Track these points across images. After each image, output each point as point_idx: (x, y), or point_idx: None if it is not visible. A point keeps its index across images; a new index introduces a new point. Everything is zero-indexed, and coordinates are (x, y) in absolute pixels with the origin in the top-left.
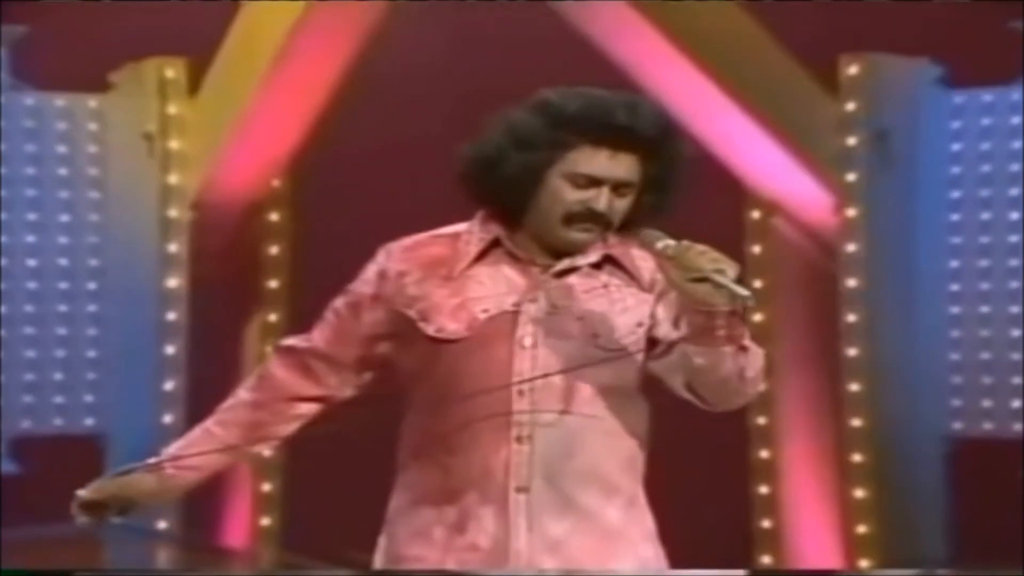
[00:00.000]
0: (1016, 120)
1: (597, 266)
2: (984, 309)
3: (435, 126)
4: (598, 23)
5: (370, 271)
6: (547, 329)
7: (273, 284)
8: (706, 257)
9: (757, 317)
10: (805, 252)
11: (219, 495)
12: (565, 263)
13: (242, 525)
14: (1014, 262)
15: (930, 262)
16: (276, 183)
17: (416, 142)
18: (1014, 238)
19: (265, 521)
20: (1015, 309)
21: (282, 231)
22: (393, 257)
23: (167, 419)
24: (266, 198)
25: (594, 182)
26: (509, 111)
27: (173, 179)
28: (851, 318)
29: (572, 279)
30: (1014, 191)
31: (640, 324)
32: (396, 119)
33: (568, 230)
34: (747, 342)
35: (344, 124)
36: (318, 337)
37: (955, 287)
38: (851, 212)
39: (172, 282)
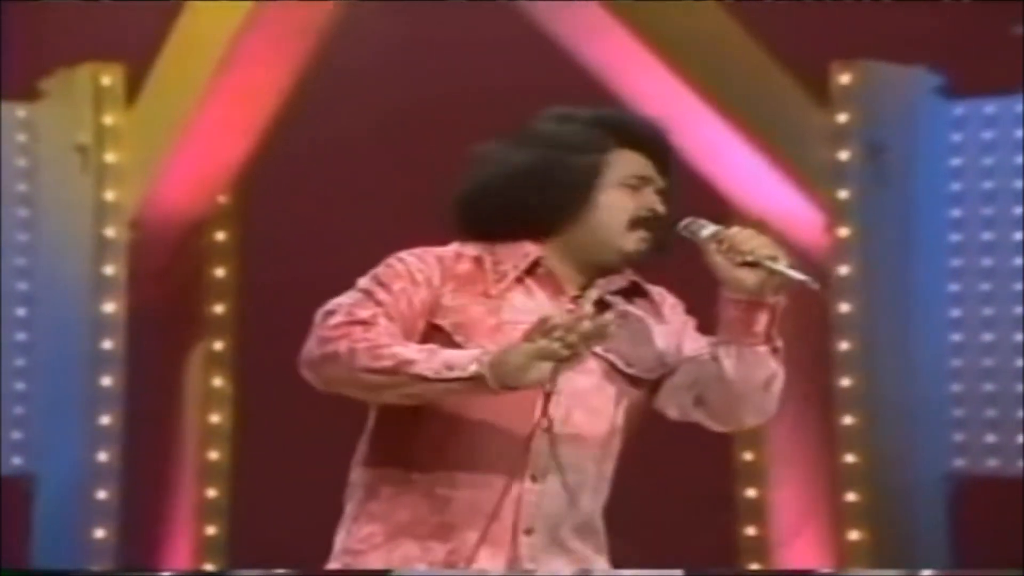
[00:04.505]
0: (1021, 132)
1: (619, 295)
2: (987, 336)
3: (394, 137)
4: (567, 24)
5: (428, 272)
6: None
7: (219, 309)
8: (758, 240)
9: None
10: None
11: (156, 537)
12: (597, 292)
13: (183, 564)
14: (1019, 286)
15: (928, 286)
16: (222, 199)
17: (373, 154)
18: (1019, 260)
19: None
20: (1021, 336)
21: (228, 251)
22: (431, 265)
23: (102, 457)
24: (211, 215)
25: (644, 182)
26: (529, 127)
27: (109, 195)
28: (844, 346)
29: (590, 308)
30: (1019, 209)
31: (662, 357)
32: (351, 129)
33: (629, 239)
34: (780, 344)
35: (295, 135)
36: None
37: (956, 313)
38: (843, 232)
39: (108, 307)
